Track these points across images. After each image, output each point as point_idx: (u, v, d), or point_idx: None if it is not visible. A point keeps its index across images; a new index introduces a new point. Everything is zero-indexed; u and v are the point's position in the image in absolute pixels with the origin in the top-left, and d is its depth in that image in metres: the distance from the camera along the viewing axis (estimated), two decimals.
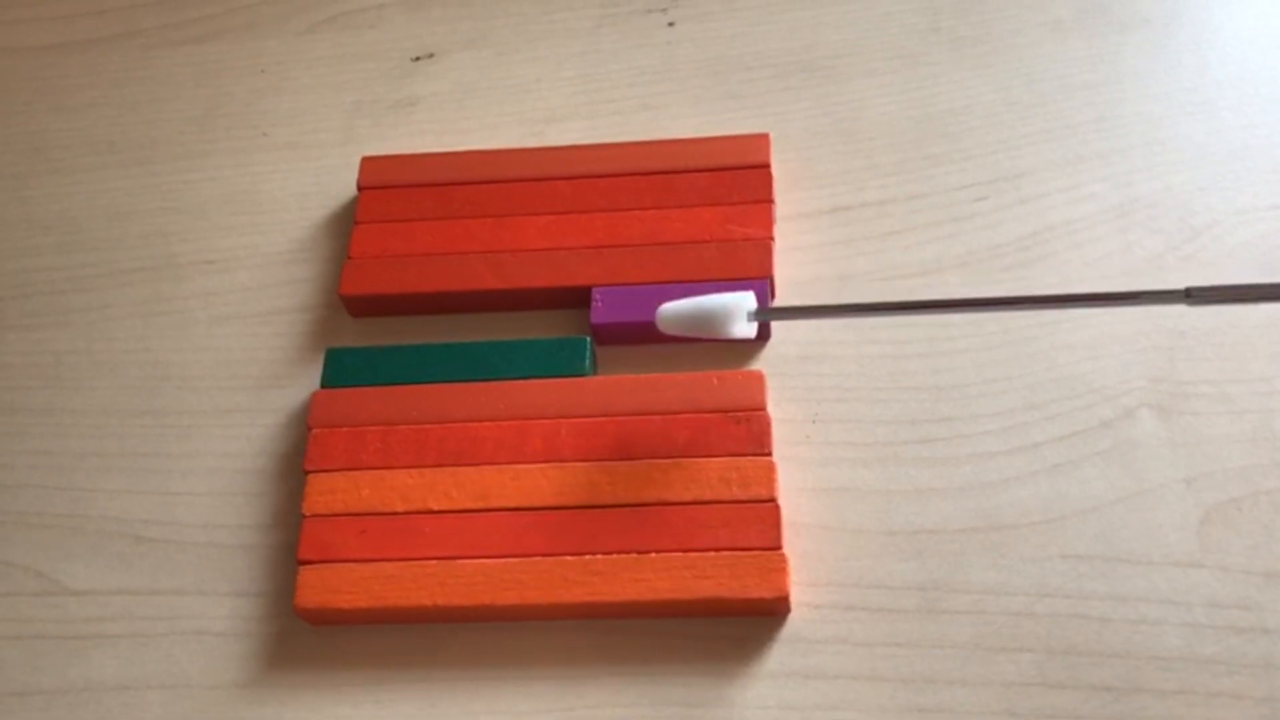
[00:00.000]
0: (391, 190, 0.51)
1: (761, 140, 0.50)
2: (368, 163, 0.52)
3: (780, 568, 0.42)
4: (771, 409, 0.45)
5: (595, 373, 0.47)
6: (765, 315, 0.41)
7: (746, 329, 0.41)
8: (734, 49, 0.55)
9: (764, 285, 0.47)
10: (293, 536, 0.46)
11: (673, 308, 0.41)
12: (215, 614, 0.45)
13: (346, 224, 0.52)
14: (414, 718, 0.42)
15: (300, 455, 0.47)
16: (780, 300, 0.48)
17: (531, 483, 0.44)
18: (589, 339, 0.47)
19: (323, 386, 0.47)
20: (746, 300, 0.40)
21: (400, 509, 0.44)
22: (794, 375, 0.47)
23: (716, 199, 0.49)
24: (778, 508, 0.43)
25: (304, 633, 0.44)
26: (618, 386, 0.46)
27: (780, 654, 0.42)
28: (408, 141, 0.54)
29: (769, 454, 0.44)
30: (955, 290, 0.47)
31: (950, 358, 0.46)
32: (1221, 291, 0.31)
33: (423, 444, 0.45)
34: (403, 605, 0.42)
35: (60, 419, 0.50)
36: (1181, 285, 0.31)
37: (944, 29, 0.54)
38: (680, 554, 0.42)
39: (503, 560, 0.43)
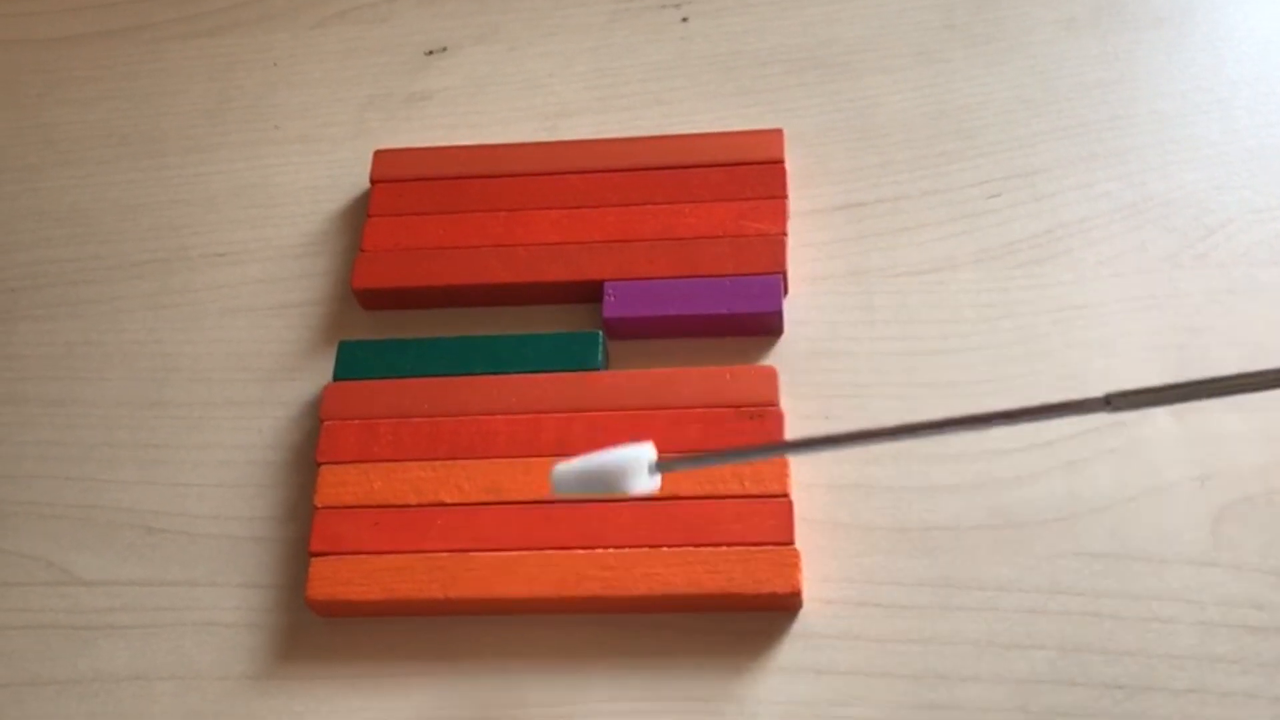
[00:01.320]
0: (404, 184, 0.51)
1: (775, 136, 0.50)
2: (380, 156, 0.52)
3: (793, 563, 0.41)
4: (784, 405, 0.45)
5: (607, 367, 0.47)
6: (671, 466, 0.37)
7: (649, 483, 0.36)
8: (748, 45, 0.55)
9: (777, 280, 0.47)
10: (304, 528, 0.46)
11: (566, 469, 0.36)
12: (226, 605, 0.45)
13: (359, 217, 0.52)
14: (424, 710, 0.42)
15: (312, 447, 0.47)
16: (793, 295, 0.48)
17: (544, 476, 0.44)
18: (601, 333, 0.47)
19: (335, 379, 0.47)
20: (645, 452, 0.36)
21: (412, 501, 0.44)
22: (807, 371, 0.47)
23: (730, 194, 0.49)
24: (790, 503, 0.43)
25: (315, 624, 0.44)
26: (630, 381, 0.46)
27: (792, 649, 0.42)
28: (420, 135, 0.54)
29: None
30: (970, 287, 0.47)
31: (963, 355, 0.46)
32: (1143, 395, 0.30)
33: (435, 437, 0.45)
34: (414, 598, 0.42)
35: (71, 410, 0.50)
36: (1101, 393, 0.30)
37: (958, 26, 0.54)
38: (692, 549, 0.42)
39: (514, 553, 0.43)
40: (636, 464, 0.36)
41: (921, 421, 0.32)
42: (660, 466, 0.36)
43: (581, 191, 0.50)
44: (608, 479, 0.36)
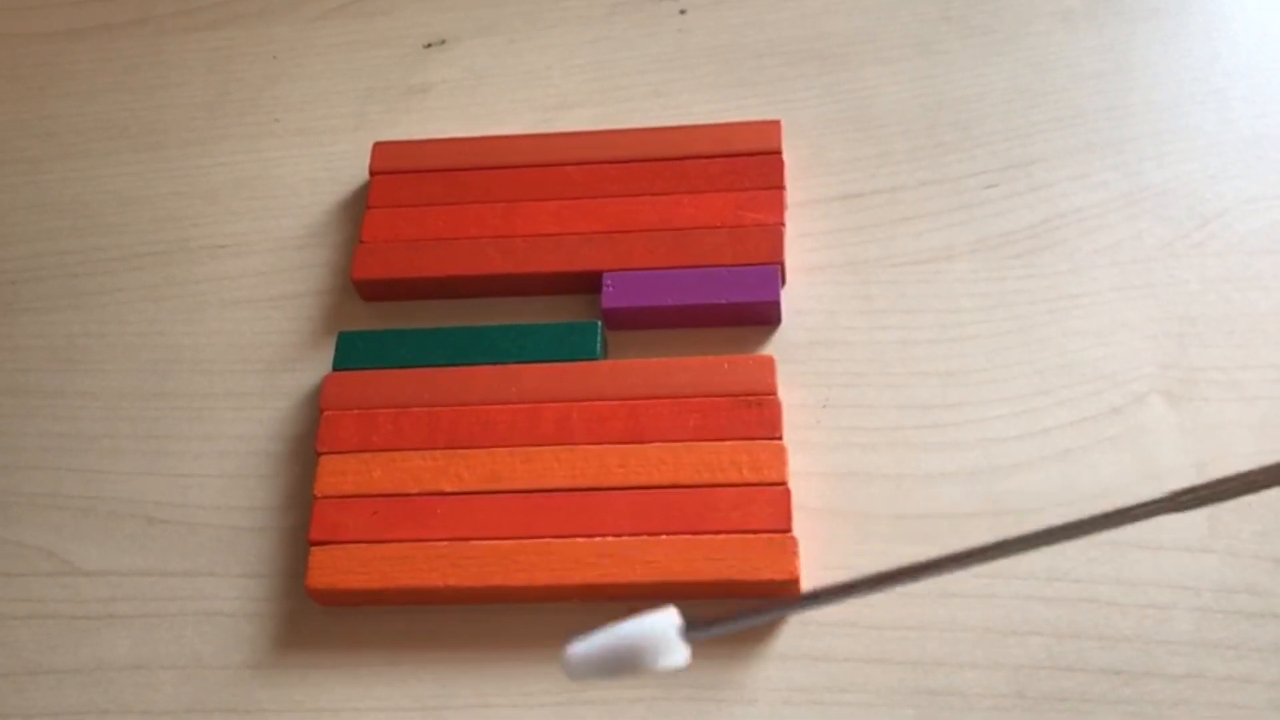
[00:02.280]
0: (403, 175, 0.51)
1: (773, 127, 0.50)
2: (380, 148, 0.52)
3: (790, 550, 0.42)
4: (782, 393, 0.45)
5: (606, 357, 0.48)
6: (703, 633, 0.31)
7: (680, 656, 0.31)
8: (746, 36, 0.55)
9: (775, 270, 0.47)
10: (304, 518, 0.46)
11: (580, 653, 0.31)
12: (226, 595, 0.45)
13: (358, 209, 0.53)
14: (424, 699, 0.42)
15: (312, 438, 0.47)
16: (791, 285, 0.48)
17: (543, 465, 0.44)
18: (600, 323, 0.47)
19: (335, 369, 0.48)
20: (669, 619, 0.31)
21: (412, 490, 0.44)
22: (805, 360, 0.47)
23: (728, 185, 0.49)
24: (788, 491, 0.43)
25: (315, 613, 0.44)
26: (629, 371, 0.46)
27: (789, 636, 0.42)
28: (420, 128, 0.54)
29: (779, 438, 0.44)
30: (967, 276, 0.48)
31: (960, 344, 0.46)
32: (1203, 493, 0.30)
33: (434, 426, 0.45)
34: (414, 586, 0.43)
35: (72, 401, 0.50)
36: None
37: (955, 17, 0.54)
38: (691, 536, 0.42)
39: (514, 542, 0.43)
40: (664, 639, 0.31)
41: (960, 552, 0.32)
42: (691, 634, 0.31)
43: (580, 183, 0.50)
44: (632, 659, 0.31)
